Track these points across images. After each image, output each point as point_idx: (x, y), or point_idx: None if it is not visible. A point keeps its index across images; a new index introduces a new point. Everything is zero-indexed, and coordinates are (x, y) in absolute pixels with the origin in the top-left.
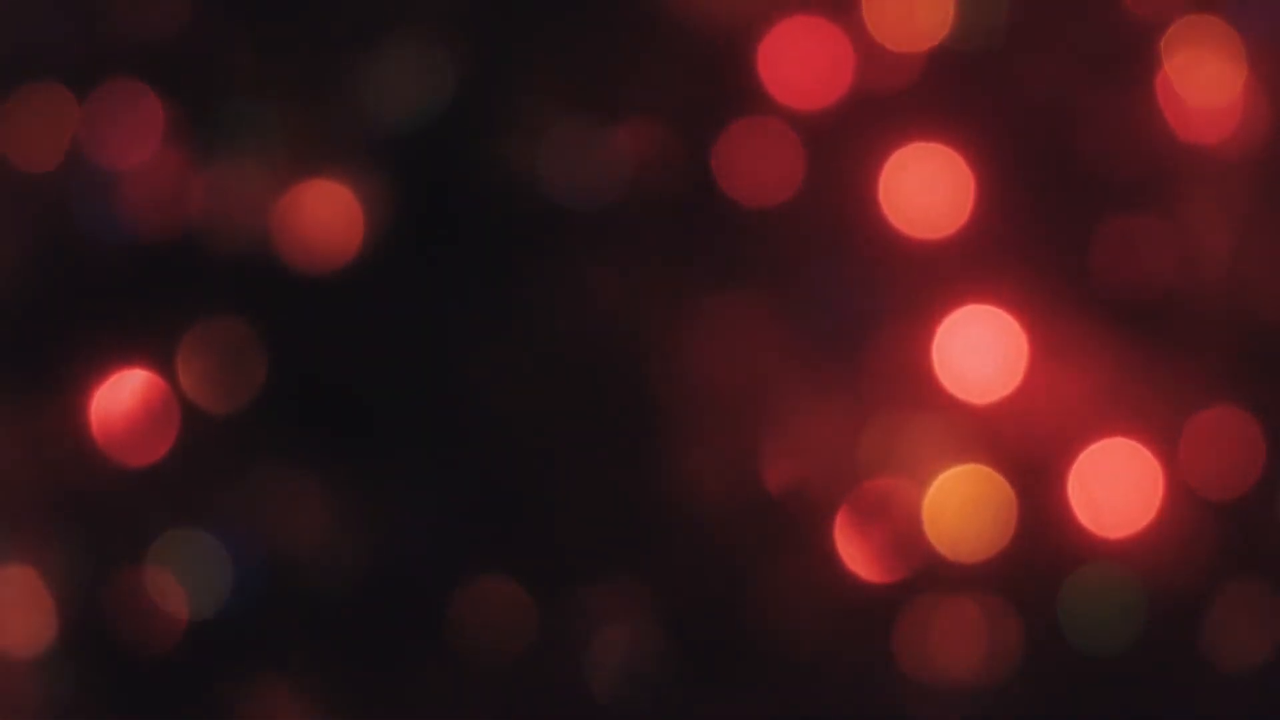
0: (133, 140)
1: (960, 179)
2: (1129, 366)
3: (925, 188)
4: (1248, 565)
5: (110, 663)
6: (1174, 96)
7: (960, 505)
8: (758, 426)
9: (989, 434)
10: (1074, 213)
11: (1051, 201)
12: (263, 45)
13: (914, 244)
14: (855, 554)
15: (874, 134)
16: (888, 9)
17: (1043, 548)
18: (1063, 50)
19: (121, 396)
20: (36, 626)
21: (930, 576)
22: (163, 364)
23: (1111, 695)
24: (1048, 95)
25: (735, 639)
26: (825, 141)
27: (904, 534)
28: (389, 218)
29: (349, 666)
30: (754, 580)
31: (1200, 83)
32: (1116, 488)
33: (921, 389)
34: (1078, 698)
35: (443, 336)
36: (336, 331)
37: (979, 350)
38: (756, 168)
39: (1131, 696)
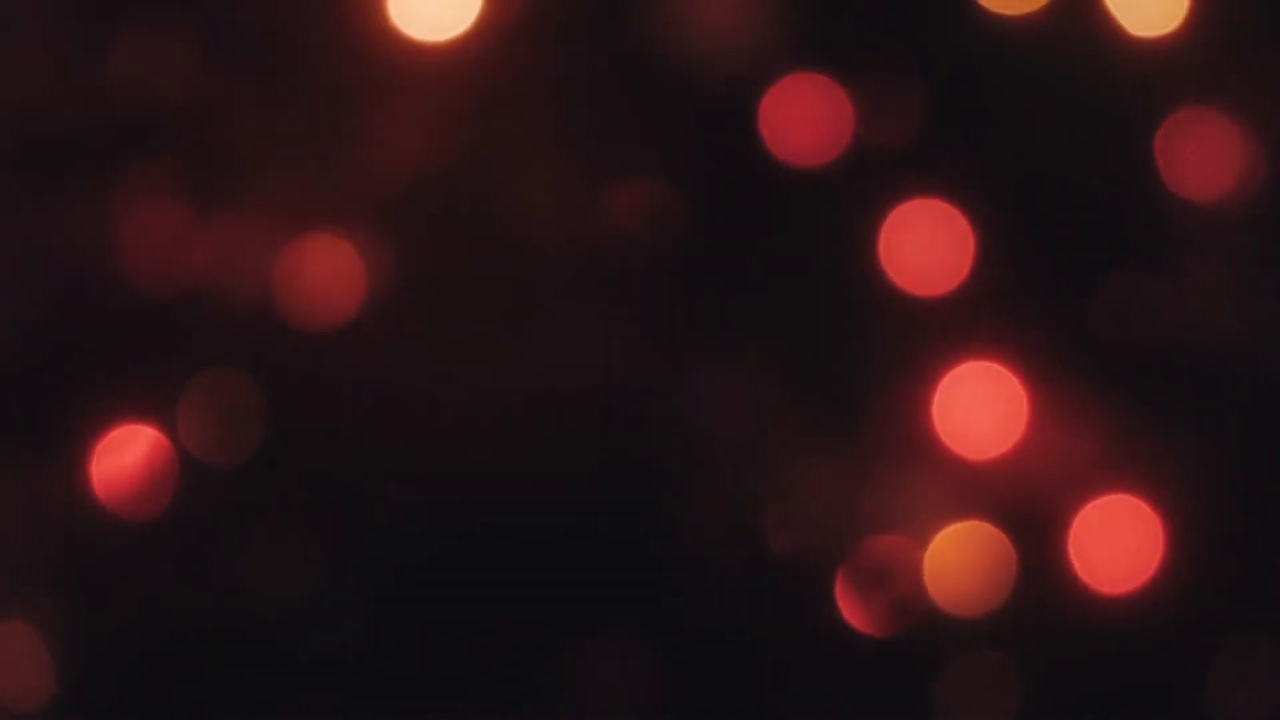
0: (134, 196)
1: (959, 235)
2: (1129, 422)
3: (925, 244)
4: (1250, 620)
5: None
6: (1173, 154)
7: (961, 561)
8: (757, 483)
9: (989, 490)
10: (1074, 268)
11: (1051, 257)
12: (265, 102)
13: (914, 300)
14: (857, 609)
15: (874, 190)
16: (888, 67)
17: (1043, 603)
18: (1062, 107)
19: (122, 452)
20: (35, 683)
21: (931, 632)
22: (163, 419)
23: None
24: (1047, 151)
25: (737, 693)
26: (825, 198)
27: (905, 589)
28: (390, 272)
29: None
30: (755, 635)
31: (1198, 140)
32: (1117, 543)
33: (921, 445)
34: None
35: (443, 390)
36: (337, 386)
37: (979, 407)
38: (756, 223)
39: None
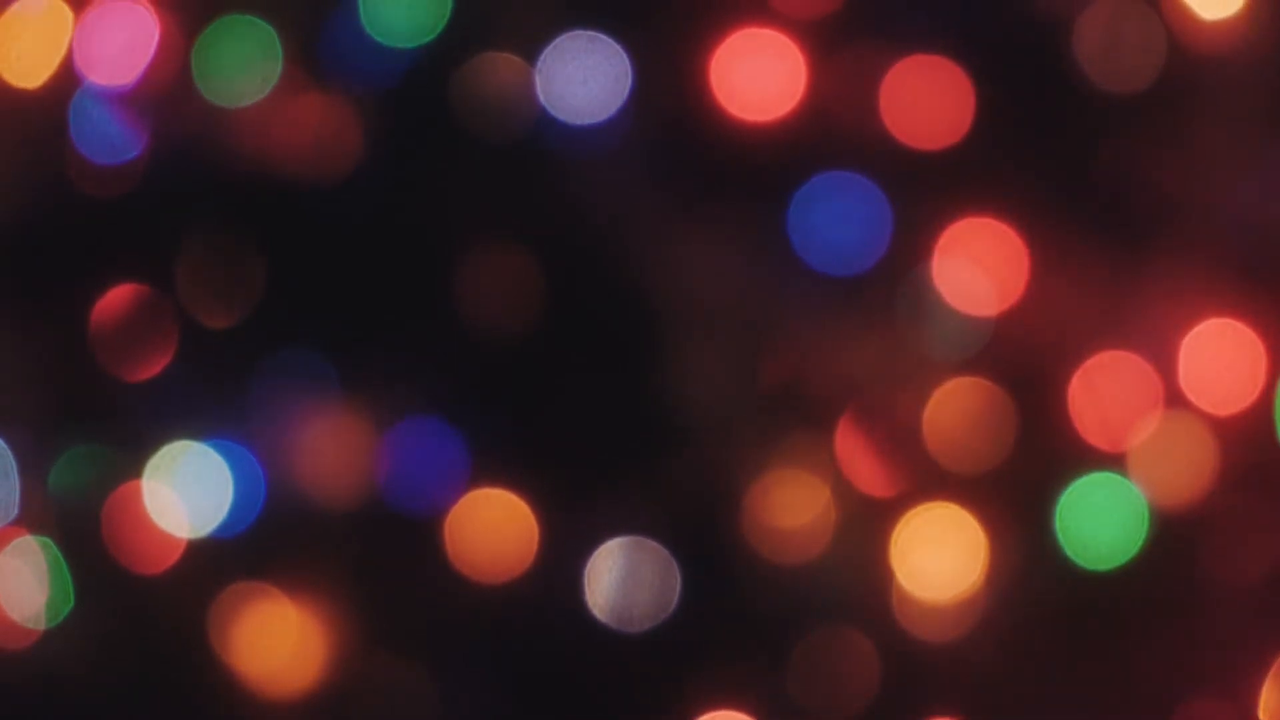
0: (129, 54)
1: (959, 89)
2: (1128, 280)
3: (925, 100)
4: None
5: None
6: (1178, 5)
7: (960, 418)
8: (758, 337)
9: (990, 345)
10: (1074, 123)
11: (1049, 112)
12: None
13: (916, 155)
14: (855, 465)
15: (875, 43)
16: None
17: (1041, 460)
18: None
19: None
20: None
21: (929, 488)
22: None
23: (1109, 609)
24: (1046, 4)
25: (732, 550)
26: (826, 51)
27: (904, 445)
28: (386, 126)
29: (347, 581)
30: (752, 489)
31: None
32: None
33: (923, 300)
34: (1074, 611)
35: (439, 246)
36: (333, 242)
37: (980, 262)
38: (756, 79)
39: (1128, 611)
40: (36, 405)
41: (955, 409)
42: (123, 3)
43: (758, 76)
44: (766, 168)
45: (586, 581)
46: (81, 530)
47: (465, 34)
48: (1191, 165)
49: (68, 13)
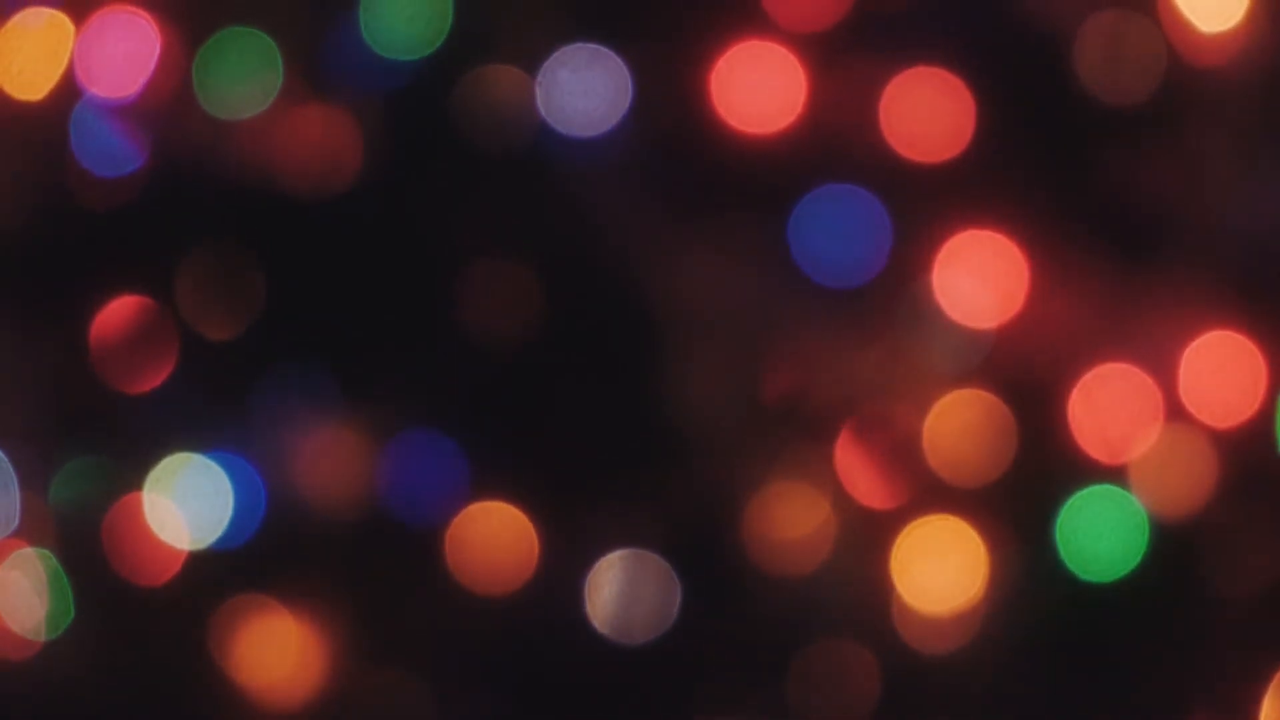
0: (130, 66)
1: (960, 101)
2: (1128, 292)
3: (926, 111)
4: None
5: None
6: (1178, 18)
7: (961, 430)
8: (759, 349)
9: (990, 358)
10: (1074, 135)
11: (1050, 125)
12: None
13: (916, 167)
14: (855, 477)
15: (876, 55)
16: None
17: (1042, 472)
18: None
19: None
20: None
21: (929, 500)
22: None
23: (1109, 621)
24: (1047, 17)
25: (732, 562)
26: (826, 64)
27: (904, 457)
28: (387, 138)
29: (347, 593)
30: (752, 501)
31: (1203, 6)
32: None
33: (923, 313)
34: (1074, 623)
35: (439, 258)
36: (334, 254)
37: (980, 275)
38: (757, 92)
39: (1128, 623)
40: (37, 417)
41: (955, 421)
42: (124, 15)
43: (758, 89)
44: (767, 180)
45: (587, 594)
46: (82, 542)
47: (466, 46)
48: (1191, 178)
49: (69, 25)
